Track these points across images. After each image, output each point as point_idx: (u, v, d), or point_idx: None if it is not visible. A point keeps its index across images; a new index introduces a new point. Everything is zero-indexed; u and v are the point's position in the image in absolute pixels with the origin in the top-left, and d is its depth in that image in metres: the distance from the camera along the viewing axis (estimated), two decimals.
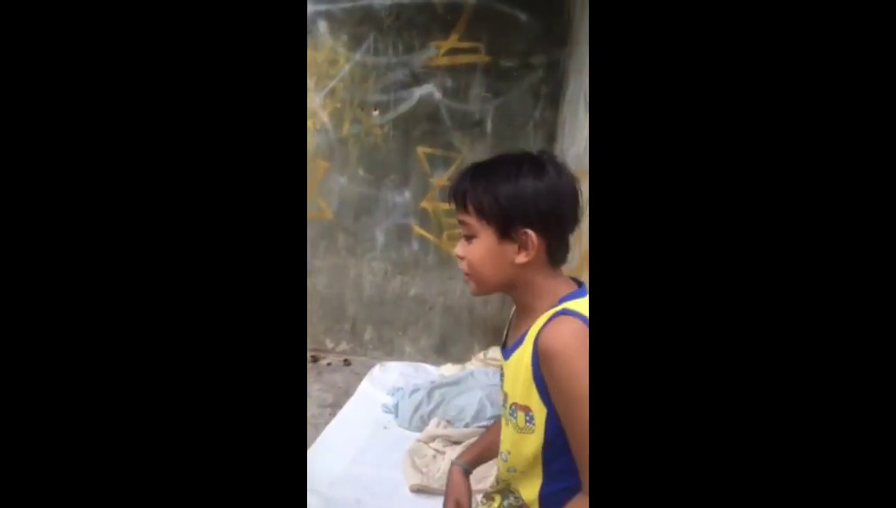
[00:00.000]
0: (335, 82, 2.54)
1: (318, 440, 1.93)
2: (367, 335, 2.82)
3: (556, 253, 0.69)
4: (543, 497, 0.72)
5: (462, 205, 0.70)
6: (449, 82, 2.46)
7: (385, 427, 2.02)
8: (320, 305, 2.83)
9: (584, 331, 0.62)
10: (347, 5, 2.45)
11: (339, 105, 2.56)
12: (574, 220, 0.69)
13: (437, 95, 2.48)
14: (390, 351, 2.80)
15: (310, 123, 2.61)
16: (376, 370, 2.45)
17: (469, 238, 0.70)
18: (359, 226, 2.70)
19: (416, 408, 2.04)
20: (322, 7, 2.46)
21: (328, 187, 2.67)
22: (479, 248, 0.69)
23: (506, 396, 0.75)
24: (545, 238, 0.67)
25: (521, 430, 0.71)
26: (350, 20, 2.46)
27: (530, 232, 0.66)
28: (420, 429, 1.96)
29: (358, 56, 2.49)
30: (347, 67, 2.51)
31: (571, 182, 0.69)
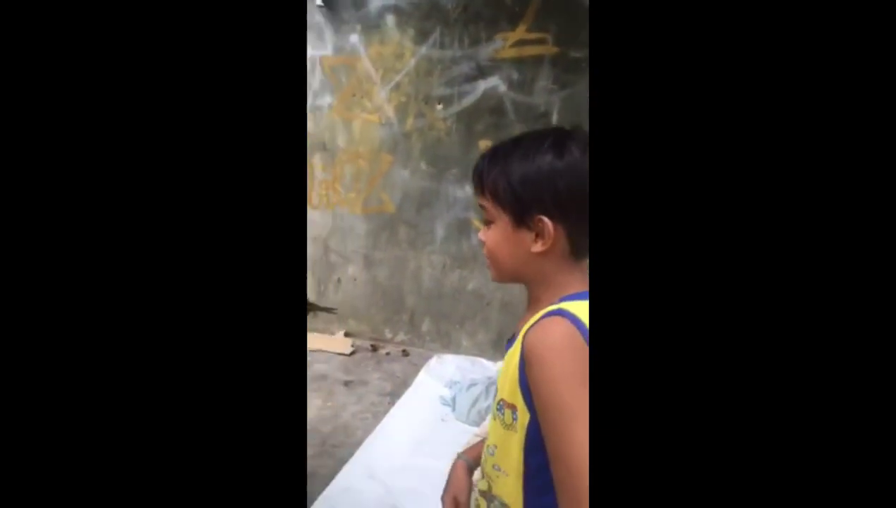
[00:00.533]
0: (401, 76, 2.56)
1: (378, 428, 1.97)
2: (425, 327, 2.85)
3: (579, 243, 0.61)
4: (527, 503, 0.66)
5: (480, 189, 0.65)
6: (515, 75, 2.43)
7: (443, 420, 2.03)
8: (381, 296, 2.88)
9: (572, 336, 0.56)
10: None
11: (404, 99, 2.59)
12: (580, 213, 0.58)
13: (503, 88, 2.45)
14: (447, 344, 2.82)
15: (375, 117, 2.65)
16: (433, 362, 2.47)
17: (488, 222, 0.65)
18: (420, 219, 2.73)
19: (474, 402, 2.04)
20: (391, 1, 2.49)
21: (391, 180, 2.71)
22: (495, 234, 0.64)
23: (496, 389, 0.70)
24: (564, 226, 0.60)
25: (507, 427, 0.66)
26: (417, 14, 2.48)
27: (546, 219, 0.59)
28: (477, 423, 1.96)
29: (424, 49, 2.50)
30: (413, 61, 2.53)
31: (582, 163, 0.60)
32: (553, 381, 0.56)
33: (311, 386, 2.35)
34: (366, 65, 2.60)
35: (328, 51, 2.64)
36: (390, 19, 2.51)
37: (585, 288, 0.63)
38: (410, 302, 2.85)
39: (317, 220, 2.88)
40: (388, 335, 2.91)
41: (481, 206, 0.65)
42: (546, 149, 0.60)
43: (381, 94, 2.61)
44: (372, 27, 2.55)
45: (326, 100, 2.71)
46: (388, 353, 2.79)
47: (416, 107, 2.59)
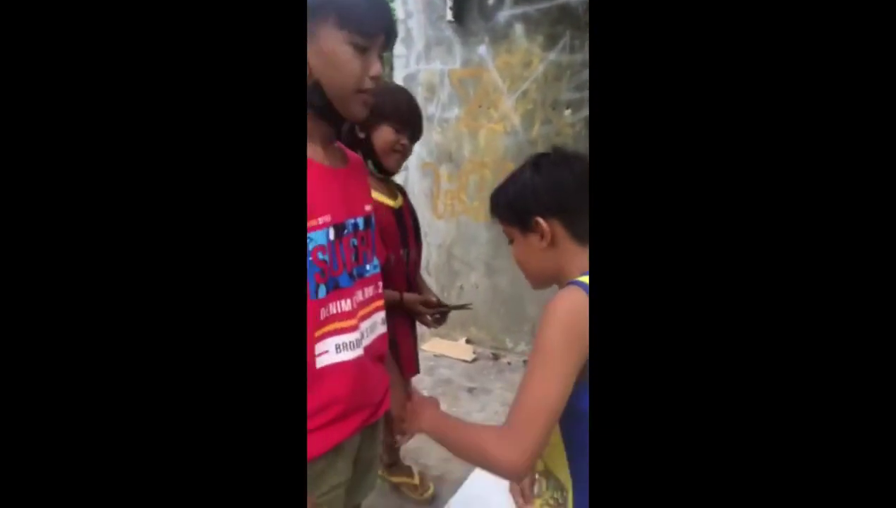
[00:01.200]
0: (528, 84, 2.55)
1: None
2: None
3: (577, 230, 0.76)
4: (574, 476, 0.74)
5: (494, 216, 0.84)
6: None
7: None
8: (501, 304, 2.87)
9: (581, 299, 0.67)
10: (544, 6, 2.44)
11: (530, 106, 2.57)
12: (580, 200, 0.74)
13: None
14: None
15: (500, 126, 2.66)
16: None
17: (511, 241, 0.82)
18: None
19: None
20: (518, 10, 2.49)
21: None
22: (515, 247, 0.80)
23: None
24: (557, 219, 0.75)
25: None
26: (546, 20, 2.45)
27: (540, 219, 0.75)
28: None
29: (552, 55, 2.47)
30: (541, 67, 2.51)
31: (570, 168, 0.77)
32: (547, 333, 0.66)
33: (435, 390, 2.41)
34: (493, 75, 2.63)
35: (456, 64, 2.72)
36: (518, 28, 2.52)
37: None
38: (532, 312, 2.80)
39: (441, 229, 2.96)
40: (509, 344, 2.88)
41: (505, 232, 0.83)
42: (525, 169, 0.80)
43: (507, 103, 2.62)
44: (500, 37, 2.57)
45: (454, 112, 2.79)
46: (509, 363, 2.76)
47: (542, 114, 2.56)
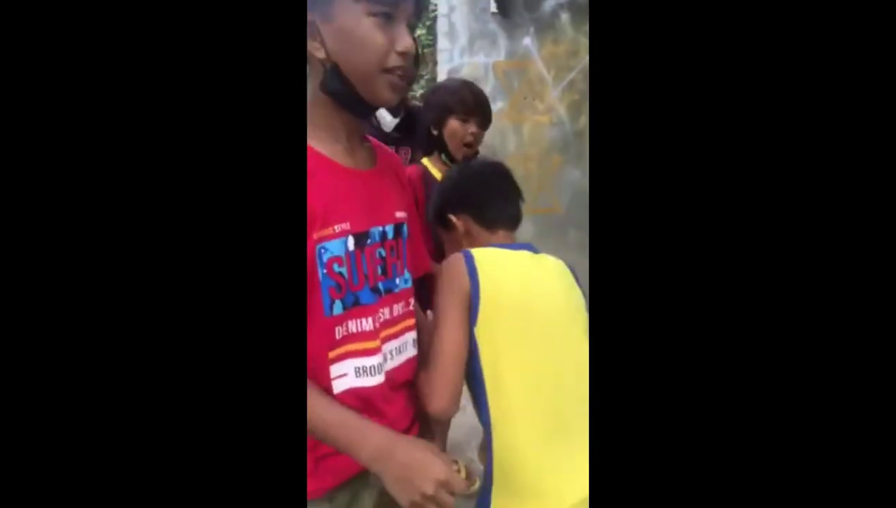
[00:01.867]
0: (574, 73, 2.49)
1: None
2: None
3: (482, 220, 0.92)
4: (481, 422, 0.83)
5: (432, 227, 1.03)
6: None
7: None
8: None
9: (455, 259, 0.82)
10: None
11: (577, 97, 2.51)
12: (480, 195, 0.93)
13: None
14: None
15: (545, 118, 2.62)
16: None
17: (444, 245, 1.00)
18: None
19: None
20: None
21: (561, 181, 2.65)
22: (446, 248, 0.97)
23: None
24: (468, 214, 0.93)
25: None
26: None
27: (451, 216, 0.93)
28: None
29: None
30: (588, 57, 2.44)
31: (467, 172, 0.99)
32: (436, 297, 0.81)
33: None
34: (538, 66, 2.58)
35: (501, 56, 2.69)
36: (565, 17, 2.46)
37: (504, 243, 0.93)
38: None
39: None
40: None
41: (438, 237, 1.02)
42: (440, 182, 1.06)
43: (553, 94, 2.57)
44: (545, 27, 2.53)
45: (497, 105, 2.76)
46: None
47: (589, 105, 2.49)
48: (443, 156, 1.38)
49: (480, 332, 0.78)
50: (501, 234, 0.93)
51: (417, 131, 1.46)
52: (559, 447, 0.78)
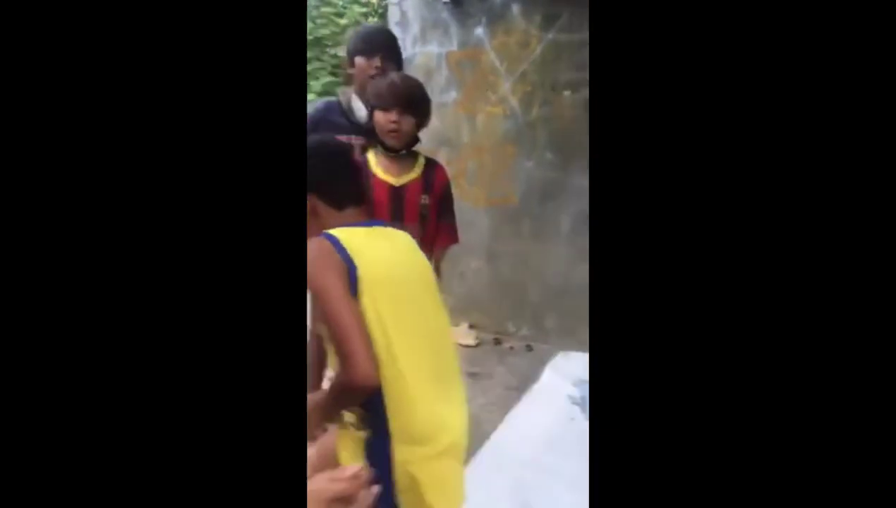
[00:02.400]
0: (526, 65, 2.51)
1: (506, 420, 1.95)
2: (550, 322, 2.77)
3: (329, 201, 0.99)
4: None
5: None
6: None
7: (572, 419, 1.95)
8: (503, 290, 2.86)
9: (315, 242, 0.88)
10: None
11: (529, 88, 2.53)
12: (316, 175, 0.93)
13: None
14: (573, 342, 2.71)
15: (499, 110, 2.63)
16: (559, 358, 2.38)
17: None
18: (544, 212, 2.65)
19: None
20: None
21: (514, 172, 2.67)
22: (308, 229, 0.97)
23: None
24: (315, 194, 0.98)
25: None
26: None
27: (310, 194, 0.98)
28: None
29: (551, 35, 2.42)
30: (539, 48, 2.46)
31: (314, 151, 0.97)
32: (309, 284, 0.83)
33: None
34: (490, 56, 2.59)
35: (453, 46, 2.68)
36: (516, 7, 2.47)
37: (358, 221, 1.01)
38: (534, 297, 2.79)
39: None
40: (512, 329, 2.88)
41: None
42: None
43: (505, 85, 2.58)
44: (497, 17, 2.53)
45: (451, 95, 2.75)
46: (511, 348, 2.76)
47: (541, 96, 2.52)
48: (379, 147, 1.49)
49: (364, 305, 0.87)
50: (351, 212, 0.99)
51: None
52: (441, 396, 0.93)
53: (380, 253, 0.93)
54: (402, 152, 1.50)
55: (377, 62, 1.54)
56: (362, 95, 1.60)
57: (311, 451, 0.99)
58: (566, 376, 2.23)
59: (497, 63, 2.58)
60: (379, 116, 1.43)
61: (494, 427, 1.92)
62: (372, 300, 0.87)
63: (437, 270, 1.59)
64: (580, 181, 2.52)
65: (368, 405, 0.91)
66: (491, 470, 1.65)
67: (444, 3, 2.60)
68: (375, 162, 1.50)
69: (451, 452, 0.95)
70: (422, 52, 2.78)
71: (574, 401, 2.05)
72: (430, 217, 1.58)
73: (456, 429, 0.94)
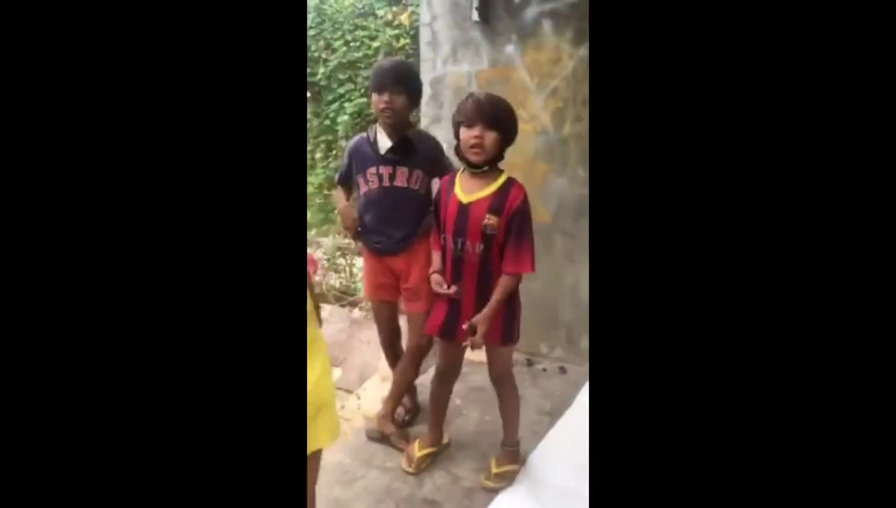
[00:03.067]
0: (558, 81, 2.48)
1: (539, 447, 1.87)
2: (584, 343, 2.67)
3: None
4: None
5: None
6: None
7: None
8: (535, 310, 2.79)
9: None
10: (572, 0, 2.37)
11: (560, 104, 2.50)
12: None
13: None
14: None
15: (530, 127, 2.60)
16: None
17: None
18: (577, 229, 2.59)
19: None
20: (546, 6, 2.43)
21: (547, 190, 2.63)
22: None
23: None
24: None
25: None
26: (575, 15, 2.38)
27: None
28: None
29: (582, 50, 2.39)
30: (571, 64, 2.43)
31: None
32: None
33: (468, 397, 2.35)
34: (521, 74, 2.57)
35: (484, 64, 2.68)
36: (546, 24, 2.45)
37: None
38: (567, 317, 2.70)
39: None
40: (544, 350, 2.80)
41: None
42: None
43: (536, 102, 2.55)
44: (528, 35, 2.52)
45: None
46: (544, 369, 2.67)
47: (573, 112, 2.48)
48: (464, 164, 1.61)
49: None
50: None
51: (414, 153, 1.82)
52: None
53: None
54: (483, 168, 1.54)
55: (385, 97, 1.71)
56: (385, 129, 1.80)
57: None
58: None
59: (528, 80, 2.56)
60: (463, 132, 1.50)
61: (528, 452, 1.84)
62: None
63: (499, 302, 1.54)
64: None
65: None
66: (525, 499, 1.57)
67: (475, 21, 2.61)
68: (459, 179, 1.60)
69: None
70: (453, 72, 2.79)
71: None
72: (497, 237, 1.54)
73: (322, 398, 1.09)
